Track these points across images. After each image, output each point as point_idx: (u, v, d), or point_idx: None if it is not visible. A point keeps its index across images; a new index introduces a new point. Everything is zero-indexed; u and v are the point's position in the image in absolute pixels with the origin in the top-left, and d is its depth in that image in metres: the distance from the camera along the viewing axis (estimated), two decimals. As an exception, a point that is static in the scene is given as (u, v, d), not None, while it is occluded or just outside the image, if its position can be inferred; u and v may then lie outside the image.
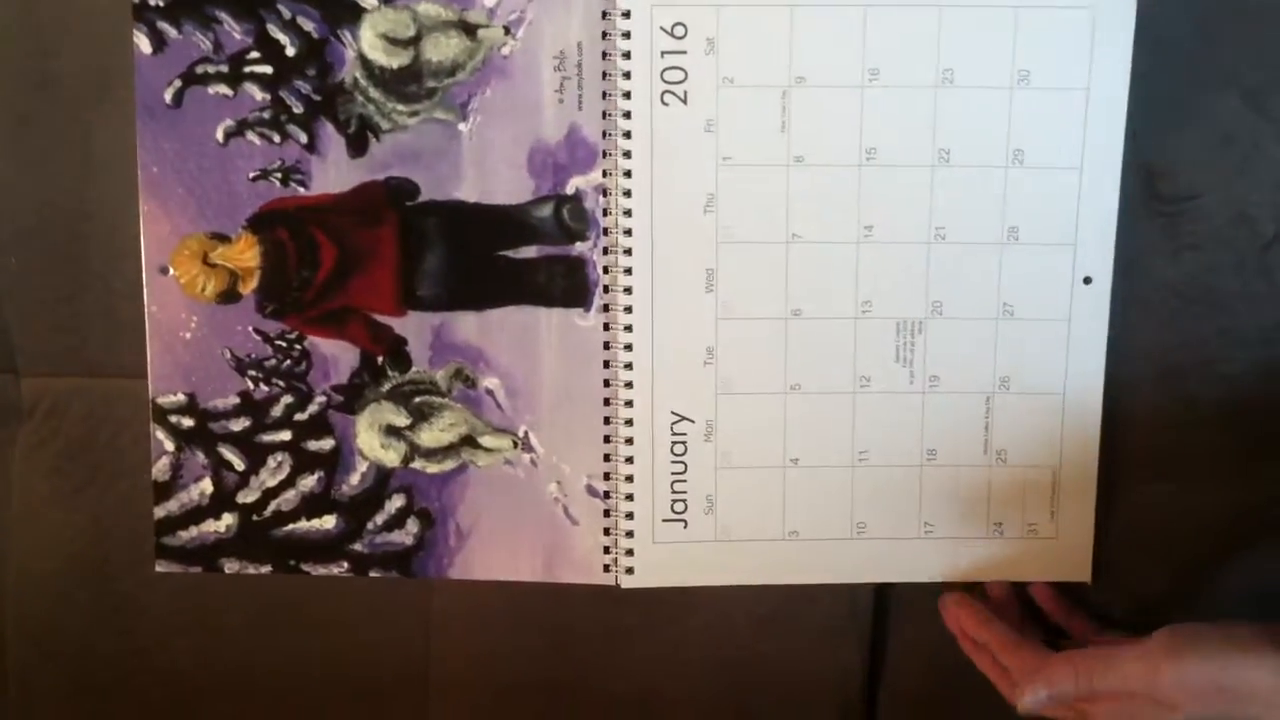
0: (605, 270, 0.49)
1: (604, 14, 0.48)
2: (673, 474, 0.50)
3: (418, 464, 0.51)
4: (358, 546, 0.51)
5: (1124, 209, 0.48)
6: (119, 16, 0.48)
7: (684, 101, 0.48)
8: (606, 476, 0.50)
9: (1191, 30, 0.47)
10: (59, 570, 0.52)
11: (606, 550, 0.51)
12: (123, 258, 0.50)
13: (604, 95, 0.48)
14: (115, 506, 0.52)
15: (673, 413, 0.50)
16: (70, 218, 0.50)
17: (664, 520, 0.50)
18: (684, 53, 0.48)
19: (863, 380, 0.49)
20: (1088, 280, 0.49)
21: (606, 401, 0.50)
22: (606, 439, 0.50)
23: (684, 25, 0.48)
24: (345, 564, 0.51)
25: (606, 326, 0.50)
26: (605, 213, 0.49)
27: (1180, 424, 0.50)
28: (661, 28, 0.48)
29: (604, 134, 0.48)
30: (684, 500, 0.50)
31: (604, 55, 0.48)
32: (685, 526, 0.50)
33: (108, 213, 0.50)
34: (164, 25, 0.48)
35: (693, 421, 0.50)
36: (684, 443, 0.50)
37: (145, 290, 0.50)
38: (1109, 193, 0.48)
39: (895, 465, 0.50)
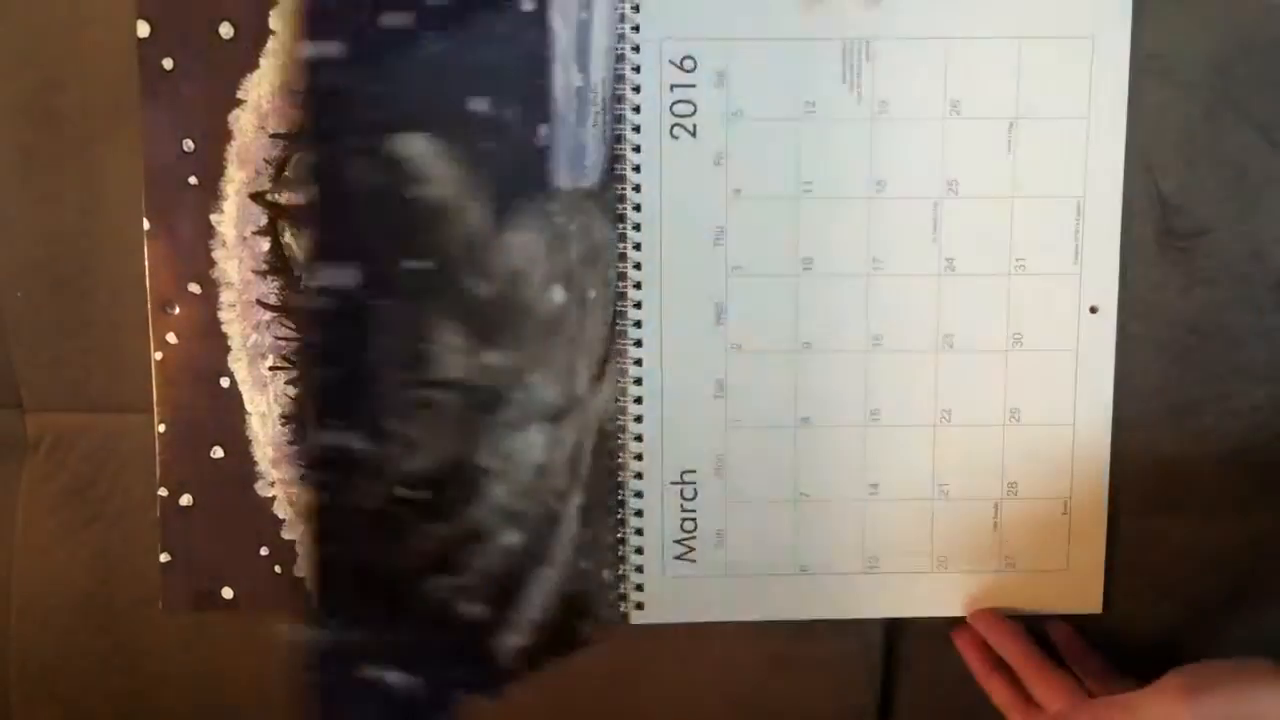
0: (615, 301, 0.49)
1: (614, 47, 0.48)
2: (682, 508, 0.50)
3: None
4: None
5: (1137, 244, 0.48)
6: (125, 50, 0.48)
7: (693, 135, 0.48)
8: (616, 512, 0.50)
9: (1205, 66, 0.48)
10: (63, 608, 0.52)
11: (617, 586, 0.50)
12: (128, 293, 0.49)
13: (614, 129, 0.48)
14: (120, 544, 0.51)
15: (682, 448, 0.49)
16: (75, 252, 0.50)
17: (674, 556, 0.50)
18: (693, 86, 0.48)
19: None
20: (1094, 310, 0.49)
21: (616, 437, 0.50)
22: (616, 474, 0.50)
23: (693, 59, 0.48)
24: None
25: (616, 362, 0.49)
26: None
27: (1192, 458, 0.50)
28: (671, 61, 0.48)
29: (614, 168, 0.48)
30: (694, 535, 0.50)
31: (614, 89, 0.48)
32: (695, 562, 0.50)
33: (113, 248, 0.50)
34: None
35: (703, 456, 0.50)
36: (694, 476, 0.50)
37: (151, 326, 0.49)
38: (1111, 220, 0.48)
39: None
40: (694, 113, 0.48)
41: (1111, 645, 0.50)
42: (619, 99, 0.48)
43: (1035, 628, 0.50)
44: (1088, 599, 0.50)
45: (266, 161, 0.48)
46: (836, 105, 0.48)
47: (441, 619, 0.45)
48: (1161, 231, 0.48)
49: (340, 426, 0.43)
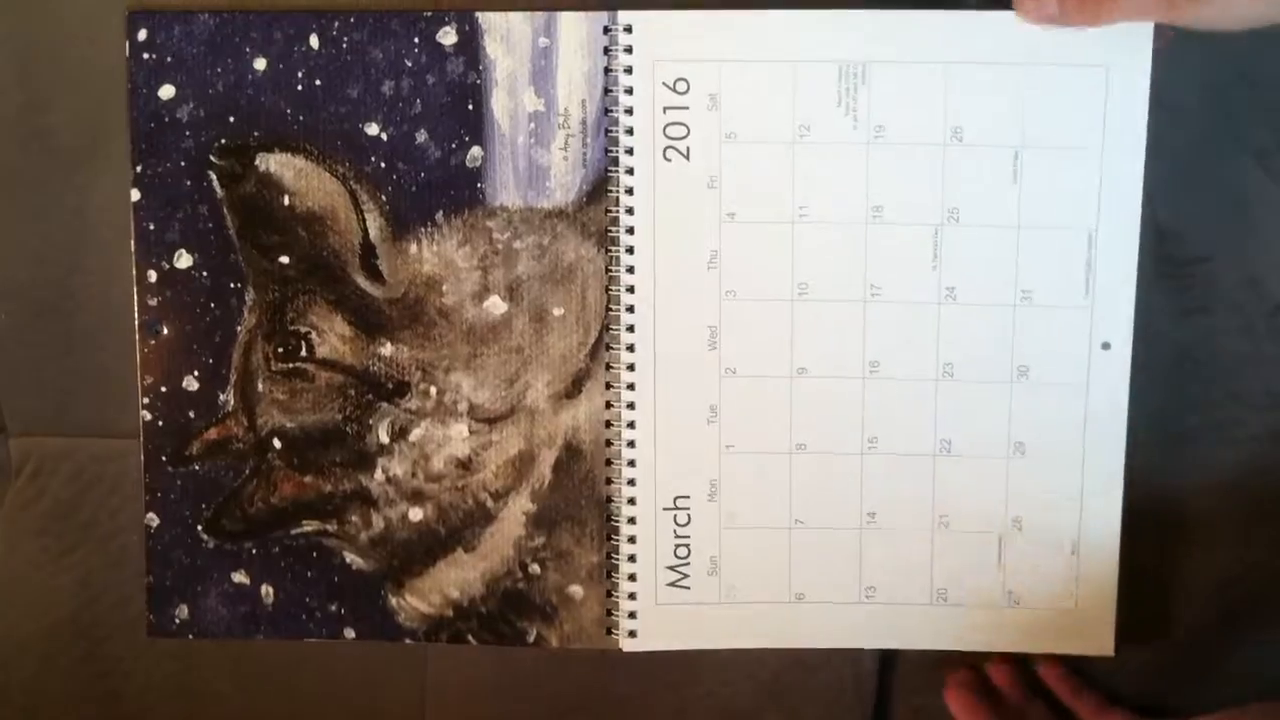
0: (608, 325, 0.49)
1: (607, 70, 0.47)
2: (676, 534, 0.49)
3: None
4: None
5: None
6: (114, 71, 0.48)
7: (686, 157, 0.48)
8: (609, 537, 0.49)
9: (1202, 94, 0.47)
10: (45, 634, 0.51)
11: (609, 613, 0.50)
12: (114, 316, 0.49)
13: (607, 151, 0.48)
14: (104, 569, 0.51)
15: (675, 472, 0.49)
16: (61, 275, 0.50)
17: (667, 584, 0.49)
18: (686, 108, 0.47)
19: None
20: (1106, 346, 0.48)
21: (609, 462, 0.49)
22: (609, 499, 0.49)
23: (686, 81, 0.47)
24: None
25: (608, 385, 0.49)
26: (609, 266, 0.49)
27: (1190, 487, 0.49)
28: (664, 83, 0.47)
29: (608, 190, 0.48)
30: (687, 562, 0.49)
31: (607, 111, 0.48)
32: (689, 589, 0.49)
33: (99, 270, 0.49)
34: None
35: (697, 481, 0.49)
36: (687, 502, 0.49)
37: (137, 350, 0.49)
38: (1127, 254, 0.47)
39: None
40: (687, 135, 0.47)
41: (1111, 676, 0.49)
42: (613, 121, 0.48)
43: (1028, 666, 0.50)
44: (1099, 642, 0.49)
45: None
46: (831, 129, 0.47)
47: (324, 561, 0.50)
48: (1158, 259, 0.48)
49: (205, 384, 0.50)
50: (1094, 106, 0.46)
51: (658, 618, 0.50)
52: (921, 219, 0.47)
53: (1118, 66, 0.46)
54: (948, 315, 0.48)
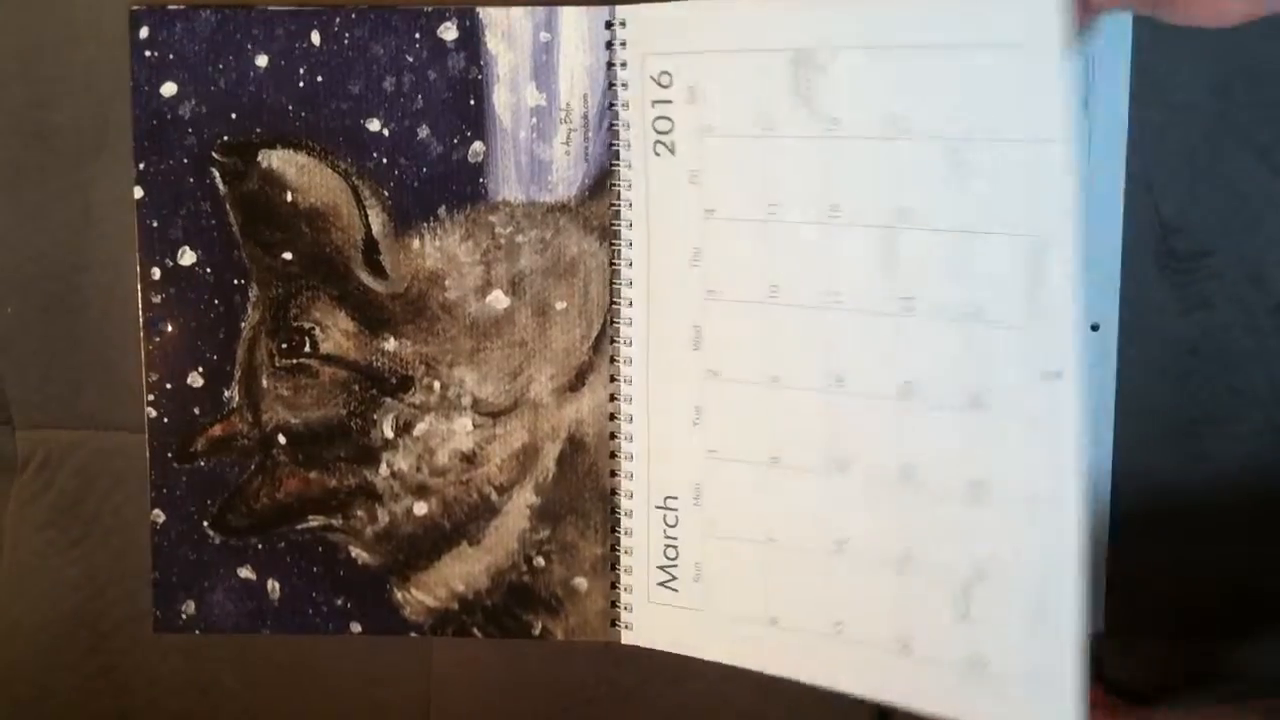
0: (611, 318, 0.49)
1: (609, 64, 0.47)
2: (666, 534, 0.48)
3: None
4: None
5: (1136, 266, 0.48)
6: (118, 69, 0.48)
7: (672, 152, 0.46)
8: (613, 529, 0.50)
9: (1205, 89, 0.47)
10: (50, 627, 0.52)
11: (613, 604, 0.50)
12: (119, 309, 0.49)
13: (610, 145, 0.48)
14: (109, 563, 0.51)
15: (666, 472, 0.48)
16: (67, 269, 0.50)
17: (658, 583, 0.49)
18: (670, 102, 0.46)
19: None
20: (1095, 327, 0.48)
21: (612, 454, 0.49)
22: (613, 491, 0.49)
23: (669, 74, 0.46)
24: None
25: (611, 378, 0.49)
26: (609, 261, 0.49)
27: (1192, 482, 0.49)
28: (651, 77, 0.46)
29: (610, 184, 0.48)
30: (676, 563, 0.48)
31: (610, 105, 0.48)
32: (677, 591, 0.48)
33: (105, 265, 0.50)
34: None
35: (684, 483, 0.48)
36: (676, 503, 0.48)
37: (142, 343, 0.49)
38: (1112, 237, 0.47)
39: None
40: (671, 129, 0.46)
41: (1109, 670, 0.49)
42: (614, 115, 0.47)
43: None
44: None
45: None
46: (790, 122, 0.44)
47: (330, 556, 0.50)
48: (1161, 253, 0.48)
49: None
50: (1071, 98, 0.40)
51: (649, 615, 0.49)
52: (873, 219, 0.43)
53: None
54: (906, 326, 0.43)
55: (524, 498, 0.50)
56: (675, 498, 0.48)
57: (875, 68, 0.42)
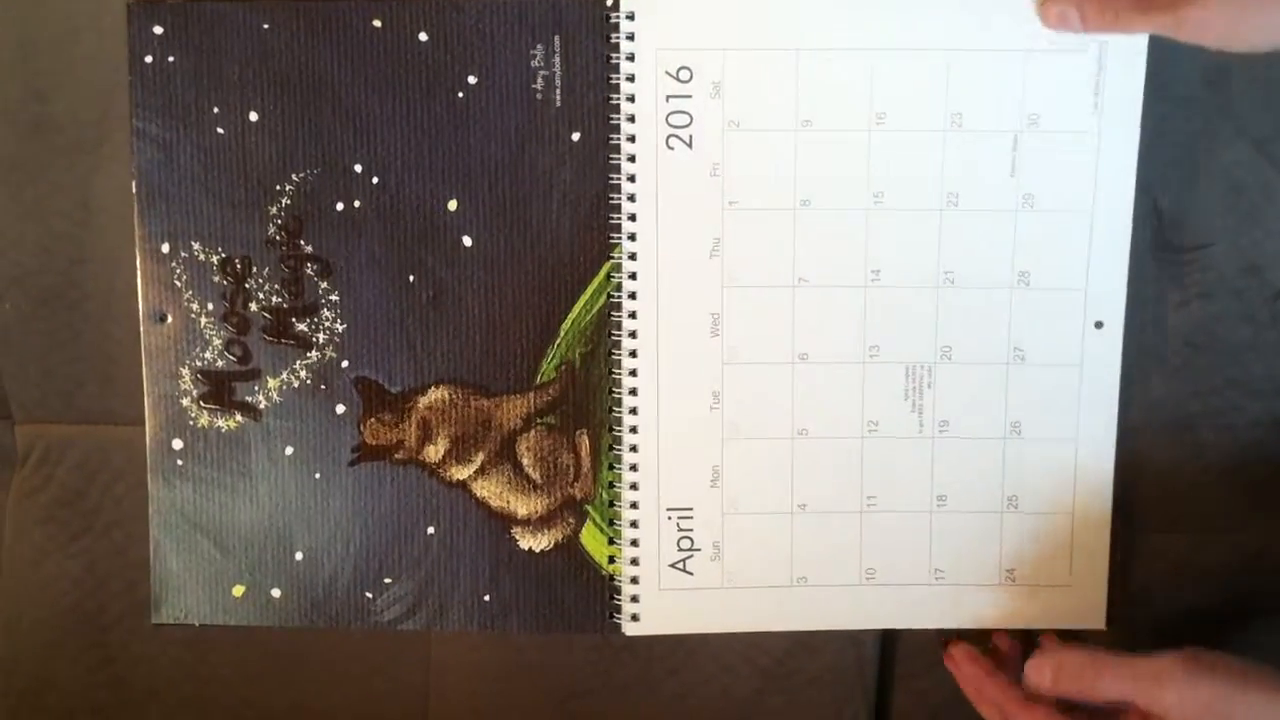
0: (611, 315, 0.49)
1: (609, 58, 0.47)
2: (679, 521, 0.49)
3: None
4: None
5: (1134, 257, 0.48)
6: (116, 63, 0.48)
7: (689, 145, 0.48)
8: (611, 523, 0.50)
9: (1202, 80, 0.48)
10: (51, 621, 0.51)
11: (612, 597, 0.50)
12: (119, 304, 0.49)
13: (609, 140, 0.48)
14: (110, 556, 0.51)
15: (678, 459, 0.49)
16: (66, 263, 0.50)
17: (669, 565, 0.50)
18: (689, 96, 0.47)
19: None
20: (1099, 325, 0.48)
21: (612, 446, 0.49)
22: (612, 484, 0.50)
23: (689, 69, 0.47)
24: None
25: (611, 373, 0.49)
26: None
27: (1190, 473, 0.49)
28: (667, 72, 0.47)
29: (609, 179, 0.48)
30: (690, 546, 0.50)
31: (609, 100, 0.48)
32: (692, 574, 0.50)
33: (104, 259, 0.49)
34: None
35: (700, 468, 0.49)
36: (691, 488, 0.49)
37: (142, 337, 0.49)
38: (1120, 235, 0.48)
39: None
40: (690, 123, 0.48)
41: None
42: (613, 108, 0.48)
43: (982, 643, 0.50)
44: (1091, 614, 0.50)
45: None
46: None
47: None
48: (1159, 245, 0.48)
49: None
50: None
51: (660, 603, 0.50)
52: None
53: (1113, 50, 0.47)
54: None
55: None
56: (690, 483, 0.49)
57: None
